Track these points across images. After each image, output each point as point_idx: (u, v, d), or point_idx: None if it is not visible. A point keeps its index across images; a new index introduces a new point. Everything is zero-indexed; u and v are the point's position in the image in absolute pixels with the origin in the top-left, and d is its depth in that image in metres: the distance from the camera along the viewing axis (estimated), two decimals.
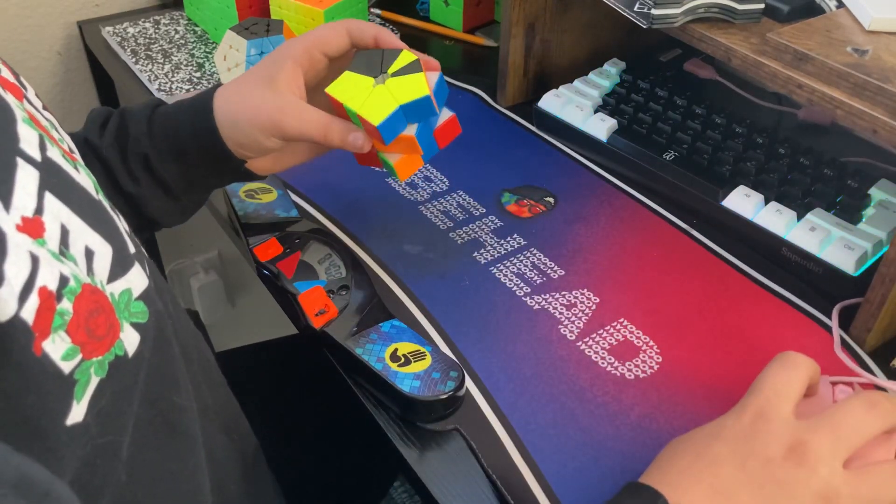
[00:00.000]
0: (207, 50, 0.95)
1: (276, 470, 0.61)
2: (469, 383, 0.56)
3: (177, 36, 0.98)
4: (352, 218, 0.71)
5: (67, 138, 0.42)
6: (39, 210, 0.31)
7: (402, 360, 0.55)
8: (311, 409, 0.81)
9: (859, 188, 0.70)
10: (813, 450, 0.42)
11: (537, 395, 0.56)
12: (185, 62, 0.92)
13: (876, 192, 0.70)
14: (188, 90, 0.86)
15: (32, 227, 0.31)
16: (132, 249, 0.38)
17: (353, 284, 0.63)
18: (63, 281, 0.31)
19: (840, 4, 0.64)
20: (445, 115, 0.60)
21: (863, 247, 0.64)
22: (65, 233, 0.32)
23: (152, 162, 0.59)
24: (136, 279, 0.37)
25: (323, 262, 0.65)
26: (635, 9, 0.66)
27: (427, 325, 0.61)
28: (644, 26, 0.65)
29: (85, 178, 0.37)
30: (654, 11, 0.64)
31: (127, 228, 0.39)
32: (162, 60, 0.92)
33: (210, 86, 0.61)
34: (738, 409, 0.45)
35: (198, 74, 0.90)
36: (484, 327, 0.61)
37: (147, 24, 1.00)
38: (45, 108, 0.42)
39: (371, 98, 0.56)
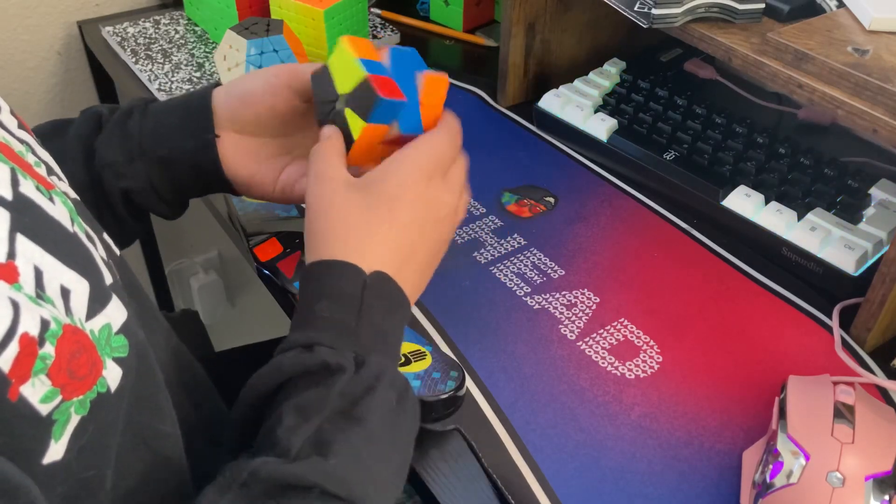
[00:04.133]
0: (207, 50, 0.95)
1: None
2: (469, 383, 0.56)
3: (177, 36, 0.98)
4: None
5: (46, 158, 0.41)
6: (12, 254, 0.31)
7: (403, 359, 0.55)
8: None
9: (859, 188, 0.70)
10: (461, 207, 0.53)
11: (537, 394, 0.56)
12: (185, 62, 0.92)
13: (876, 192, 0.70)
14: (188, 90, 0.86)
15: (6, 272, 0.30)
16: (109, 280, 0.37)
17: None
18: (44, 325, 0.30)
19: (840, 4, 0.64)
20: (420, 79, 0.53)
21: (863, 247, 0.64)
22: (39, 274, 0.32)
23: (151, 156, 0.57)
24: (115, 312, 0.36)
25: None
26: (635, 9, 0.66)
27: (427, 324, 0.61)
28: (644, 26, 0.65)
29: (60, 209, 0.36)
30: (655, 11, 0.64)
31: (104, 256, 0.38)
32: (162, 60, 0.92)
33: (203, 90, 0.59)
34: (407, 164, 0.50)
35: (198, 74, 0.90)
36: (484, 327, 0.61)
37: (147, 24, 1.00)
38: (21, 126, 0.41)
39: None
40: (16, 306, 0.29)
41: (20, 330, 0.29)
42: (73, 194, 0.41)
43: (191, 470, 0.44)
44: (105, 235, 0.42)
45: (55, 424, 0.31)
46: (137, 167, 0.57)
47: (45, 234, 0.34)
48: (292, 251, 0.66)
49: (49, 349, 0.30)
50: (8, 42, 1.03)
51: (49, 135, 0.57)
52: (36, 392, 0.30)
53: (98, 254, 0.38)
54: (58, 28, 1.05)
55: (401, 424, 0.44)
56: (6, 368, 0.29)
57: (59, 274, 0.33)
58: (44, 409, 0.30)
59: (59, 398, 0.31)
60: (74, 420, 0.32)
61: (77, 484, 0.33)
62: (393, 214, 0.48)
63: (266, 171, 0.58)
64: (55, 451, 0.31)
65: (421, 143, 0.50)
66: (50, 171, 0.40)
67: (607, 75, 0.86)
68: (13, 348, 0.29)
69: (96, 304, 0.35)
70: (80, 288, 0.34)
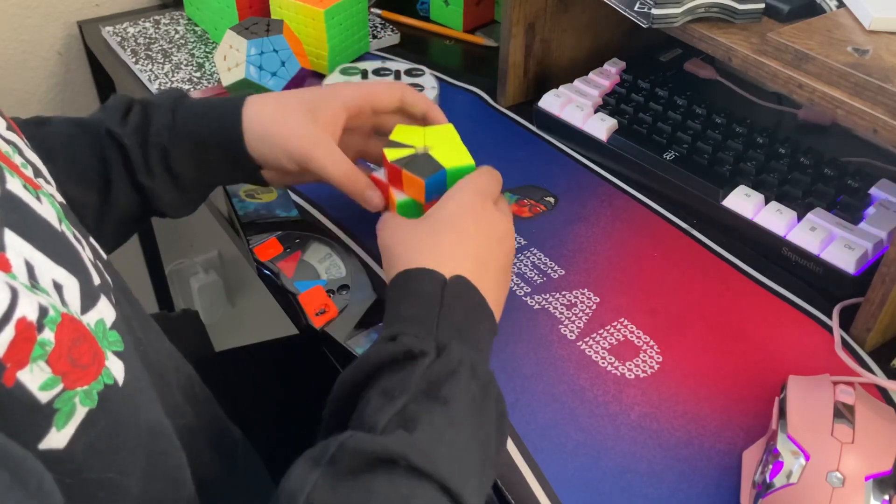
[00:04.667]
0: (207, 50, 0.95)
1: (274, 471, 0.61)
2: None
3: (177, 36, 0.98)
4: (352, 218, 0.71)
5: (33, 160, 0.41)
6: (1, 247, 0.31)
7: None
8: (310, 409, 0.81)
9: (859, 188, 0.70)
10: (510, 224, 0.57)
11: (537, 394, 0.56)
12: (185, 62, 0.92)
13: (876, 192, 0.70)
14: (188, 90, 0.86)
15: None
16: (97, 281, 0.37)
17: (353, 284, 0.63)
18: (42, 311, 0.30)
19: (840, 4, 0.64)
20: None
21: (863, 246, 0.64)
22: (30, 267, 0.32)
23: (171, 156, 0.59)
24: (105, 310, 0.36)
25: (323, 262, 0.65)
26: (635, 9, 0.66)
27: None
28: (644, 26, 0.65)
29: (47, 209, 0.36)
30: (655, 11, 0.64)
31: (92, 258, 0.39)
32: (162, 60, 0.92)
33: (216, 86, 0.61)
34: (458, 195, 0.56)
35: (198, 74, 0.90)
36: None
37: (147, 24, 1.00)
38: (10, 127, 0.41)
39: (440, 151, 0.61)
40: (14, 291, 0.29)
41: (17, 314, 0.29)
42: (59, 198, 0.41)
43: (192, 474, 0.44)
44: (91, 239, 0.42)
45: (57, 413, 0.31)
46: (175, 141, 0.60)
47: (33, 231, 0.33)
48: (292, 251, 0.66)
49: (48, 335, 0.30)
50: (8, 42, 1.03)
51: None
52: (35, 379, 0.30)
53: (86, 255, 0.37)
54: (58, 28, 1.05)
55: (486, 415, 0.46)
56: (0, 353, 0.28)
57: (49, 270, 0.33)
58: (43, 397, 0.30)
59: (61, 386, 0.31)
60: (81, 412, 0.32)
61: (86, 484, 0.32)
62: (458, 229, 0.53)
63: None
64: (55, 439, 0.31)
65: (467, 180, 0.57)
66: (37, 174, 0.40)
67: (607, 75, 0.86)
68: (8, 332, 0.29)
69: (87, 300, 0.35)
70: (70, 284, 0.34)
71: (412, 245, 0.53)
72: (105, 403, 0.33)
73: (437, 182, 0.59)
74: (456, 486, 0.40)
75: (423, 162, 0.60)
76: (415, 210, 0.61)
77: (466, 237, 0.53)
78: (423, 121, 0.64)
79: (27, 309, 0.29)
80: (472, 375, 0.45)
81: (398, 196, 0.60)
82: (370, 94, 0.61)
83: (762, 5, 0.65)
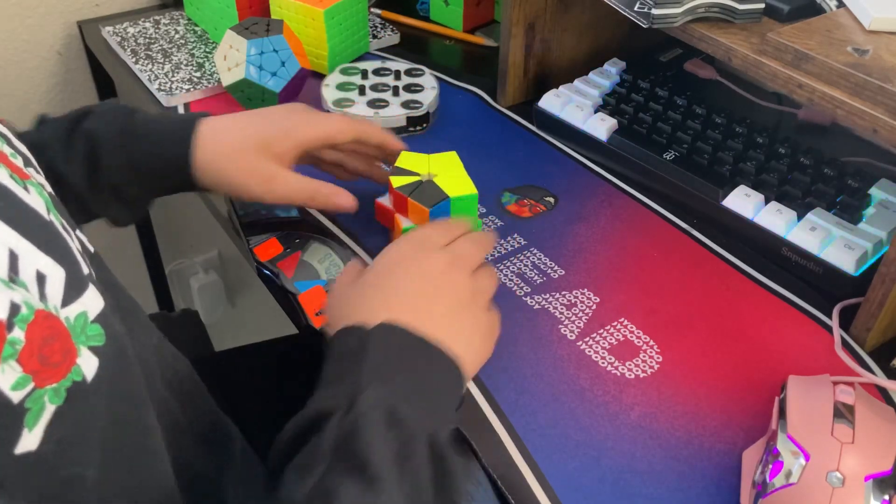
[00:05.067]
0: (207, 50, 0.95)
1: None
2: (469, 383, 0.56)
3: (177, 36, 0.98)
4: (352, 217, 0.71)
5: (23, 150, 0.41)
6: None
7: None
8: None
9: (859, 188, 0.70)
10: (460, 265, 0.53)
11: (537, 394, 0.56)
12: (185, 62, 0.92)
13: (876, 192, 0.70)
14: (188, 90, 0.86)
15: None
16: (86, 271, 0.37)
17: None
18: (14, 309, 0.30)
19: (840, 4, 0.64)
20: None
21: (863, 246, 0.64)
22: (14, 258, 0.31)
23: (121, 189, 0.62)
24: (91, 301, 0.36)
25: (323, 262, 0.65)
26: (635, 9, 0.66)
27: None
28: (644, 26, 0.65)
29: (36, 198, 0.36)
30: (655, 11, 0.64)
31: (80, 248, 0.38)
32: (162, 60, 0.92)
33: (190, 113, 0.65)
34: (399, 246, 0.55)
35: (198, 74, 0.90)
36: None
37: (147, 24, 1.00)
38: None
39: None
40: None
41: None
42: (49, 188, 0.41)
43: (180, 469, 0.44)
44: (79, 231, 0.42)
45: (28, 413, 0.30)
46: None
47: (20, 219, 0.33)
48: (292, 251, 0.66)
49: (18, 334, 0.30)
50: (8, 42, 1.03)
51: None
52: (6, 378, 0.29)
53: (74, 245, 0.37)
54: (58, 28, 1.05)
55: (417, 474, 0.41)
56: None
57: (35, 259, 0.33)
58: (15, 397, 0.30)
59: (32, 385, 0.30)
60: (49, 410, 0.31)
61: (57, 482, 0.32)
62: (388, 280, 0.52)
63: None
64: (29, 441, 0.31)
65: (404, 235, 0.56)
66: (27, 163, 0.40)
67: (607, 75, 0.86)
68: None
69: (72, 290, 0.34)
70: (55, 274, 0.34)
71: (345, 308, 0.51)
72: (72, 400, 0.33)
73: (442, 210, 0.62)
74: None
75: (428, 190, 0.62)
76: None
77: (399, 285, 0.51)
78: (379, 149, 0.68)
79: None
80: (388, 423, 0.41)
81: (404, 222, 0.63)
82: (325, 134, 0.64)
83: (762, 5, 0.65)
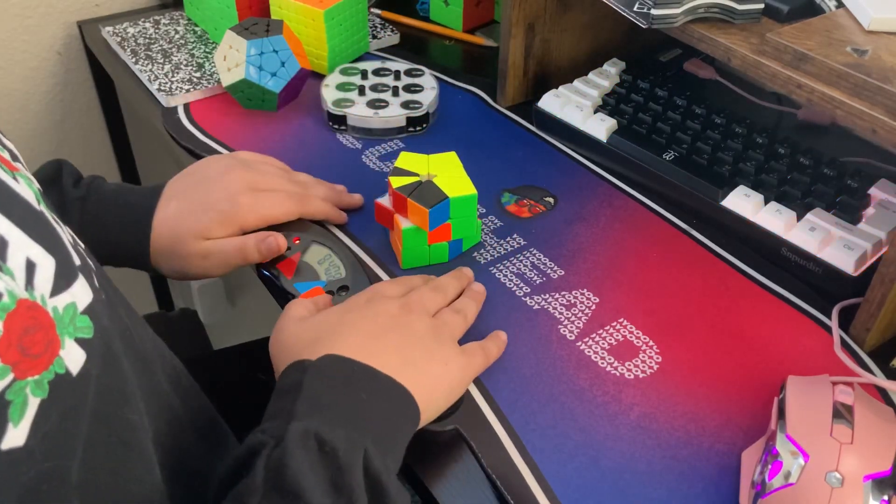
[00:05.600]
0: (207, 50, 0.95)
1: None
2: (470, 386, 0.56)
3: (177, 36, 0.98)
4: (352, 218, 0.71)
5: (10, 146, 0.41)
6: None
7: None
8: None
9: (859, 188, 0.70)
10: (416, 307, 0.55)
11: (537, 395, 0.56)
12: (185, 62, 0.92)
13: (876, 192, 0.70)
14: (188, 90, 0.86)
15: None
16: (77, 262, 0.36)
17: (352, 285, 0.63)
18: None
19: (840, 4, 0.64)
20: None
21: (863, 247, 0.64)
22: (3, 245, 0.31)
23: None
24: (81, 292, 0.35)
25: (323, 263, 0.65)
26: (635, 9, 0.66)
27: None
28: (644, 26, 0.65)
29: (25, 189, 0.36)
30: (654, 11, 0.64)
31: (71, 240, 0.38)
32: (162, 60, 0.92)
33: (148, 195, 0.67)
34: (353, 299, 0.57)
35: (198, 74, 0.90)
36: (483, 327, 0.61)
37: (147, 24, 1.00)
38: None
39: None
40: None
41: None
42: (37, 184, 0.40)
43: (180, 464, 0.44)
44: (67, 227, 0.42)
45: (11, 406, 0.30)
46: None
47: (10, 207, 0.33)
48: (292, 251, 0.66)
49: None
50: (8, 42, 1.03)
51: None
52: None
53: (65, 236, 0.37)
54: (58, 28, 1.05)
55: (349, 489, 0.41)
56: None
57: (25, 247, 0.33)
58: None
59: (11, 376, 0.30)
60: (34, 403, 0.31)
61: (38, 476, 0.32)
62: (334, 319, 0.53)
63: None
64: (15, 436, 0.30)
65: (366, 290, 0.58)
66: (14, 158, 0.40)
67: (607, 75, 0.86)
68: None
69: (62, 280, 0.34)
70: (45, 263, 0.33)
71: (293, 347, 0.52)
72: (56, 393, 0.32)
73: (441, 211, 0.62)
74: None
75: (427, 191, 0.62)
76: (419, 237, 0.63)
77: (351, 323, 0.52)
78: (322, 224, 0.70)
79: None
80: (319, 451, 0.42)
81: (403, 223, 0.63)
82: (266, 220, 0.66)
83: (761, 5, 0.65)
